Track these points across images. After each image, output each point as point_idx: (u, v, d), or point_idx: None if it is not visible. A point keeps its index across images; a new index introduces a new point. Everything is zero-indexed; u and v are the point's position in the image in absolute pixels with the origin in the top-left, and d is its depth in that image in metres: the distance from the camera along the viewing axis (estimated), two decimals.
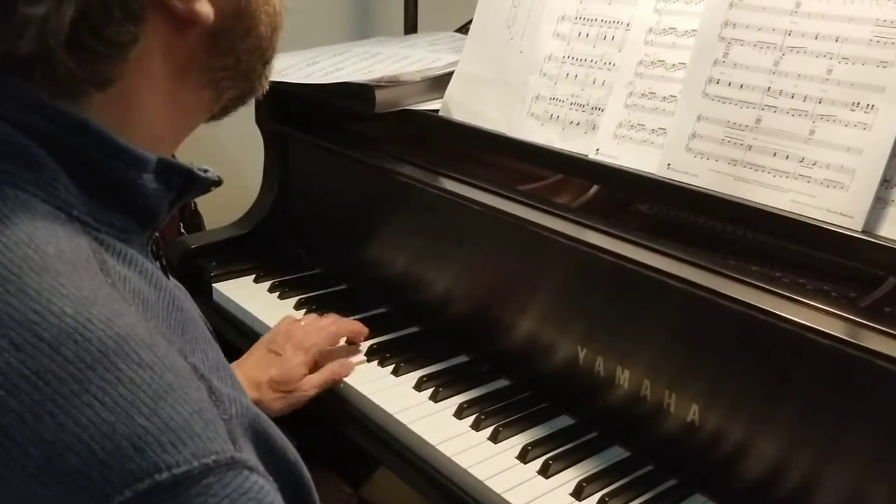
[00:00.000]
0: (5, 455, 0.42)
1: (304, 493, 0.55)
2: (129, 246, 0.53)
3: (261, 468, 0.47)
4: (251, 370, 1.02)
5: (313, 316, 1.14)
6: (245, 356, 1.06)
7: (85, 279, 0.47)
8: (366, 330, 1.12)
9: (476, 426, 0.95)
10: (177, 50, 0.54)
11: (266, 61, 0.61)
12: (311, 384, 1.02)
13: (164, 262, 0.61)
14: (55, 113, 0.50)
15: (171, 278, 0.60)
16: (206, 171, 0.58)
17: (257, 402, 0.94)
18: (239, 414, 0.49)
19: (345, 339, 1.12)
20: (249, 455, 0.47)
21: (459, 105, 1.17)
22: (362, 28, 1.96)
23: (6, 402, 0.42)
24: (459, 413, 0.97)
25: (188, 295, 0.61)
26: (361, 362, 1.08)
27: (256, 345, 1.08)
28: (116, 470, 0.41)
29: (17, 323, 0.43)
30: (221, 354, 0.58)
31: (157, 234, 0.60)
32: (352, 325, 1.12)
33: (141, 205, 0.54)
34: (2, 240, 0.46)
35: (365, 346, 1.11)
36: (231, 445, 0.45)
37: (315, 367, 1.05)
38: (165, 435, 0.42)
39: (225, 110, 0.63)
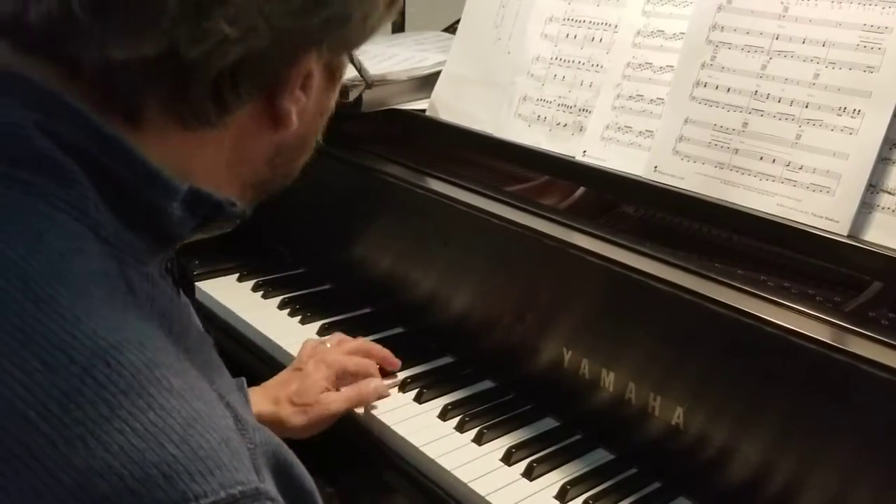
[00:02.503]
0: (34, 478, 0.41)
1: None
2: (147, 266, 0.52)
3: (280, 499, 0.47)
4: (272, 387, 0.99)
5: (338, 335, 1.08)
6: (270, 380, 1.02)
7: (115, 300, 0.47)
8: (398, 362, 1.06)
9: (460, 428, 0.95)
10: (249, 141, 0.56)
11: (277, 191, 0.65)
12: (335, 398, 0.97)
13: (176, 278, 0.61)
14: (96, 130, 0.49)
15: (181, 295, 0.60)
16: (234, 204, 0.58)
17: (275, 417, 0.94)
18: (262, 443, 0.49)
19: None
20: (270, 486, 0.47)
21: (446, 105, 1.16)
22: None
23: (37, 425, 0.41)
24: (444, 415, 0.97)
25: (194, 312, 0.61)
26: (393, 386, 1.02)
27: (283, 371, 1.04)
28: (145, 499, 0.41)
29: (49, 343, 0.43)
30: (229, 374, 0.59)
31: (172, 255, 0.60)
32: (383, 351, 1.06)
33: (164, 230, 0.54)
34: (36, 257, 0.46)
35: (401, 375, 1.05)
36: (255, 476, 0.46)
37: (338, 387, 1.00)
38: (194, 464, 0.42)
39: None
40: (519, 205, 1.02)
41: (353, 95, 0.66)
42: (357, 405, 0.99)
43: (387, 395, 1.00)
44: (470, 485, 0.86)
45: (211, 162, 0.55)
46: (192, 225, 0.55)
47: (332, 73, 0.59)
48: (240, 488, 0.44)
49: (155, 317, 0.49)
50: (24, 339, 0.43)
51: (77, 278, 0.46)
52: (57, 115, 0.49)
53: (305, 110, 0.57)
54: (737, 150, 0.88)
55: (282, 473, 0.50)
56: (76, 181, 0.49)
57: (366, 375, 1.02)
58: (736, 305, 0.79)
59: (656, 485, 0.88)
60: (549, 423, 0.97)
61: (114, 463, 0.41)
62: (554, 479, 0.87)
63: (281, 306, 1.21)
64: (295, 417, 0.95)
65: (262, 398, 0.96)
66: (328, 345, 1.05)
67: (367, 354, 1.05)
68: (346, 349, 1.04)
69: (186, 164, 0.54)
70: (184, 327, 0.51)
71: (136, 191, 0.51)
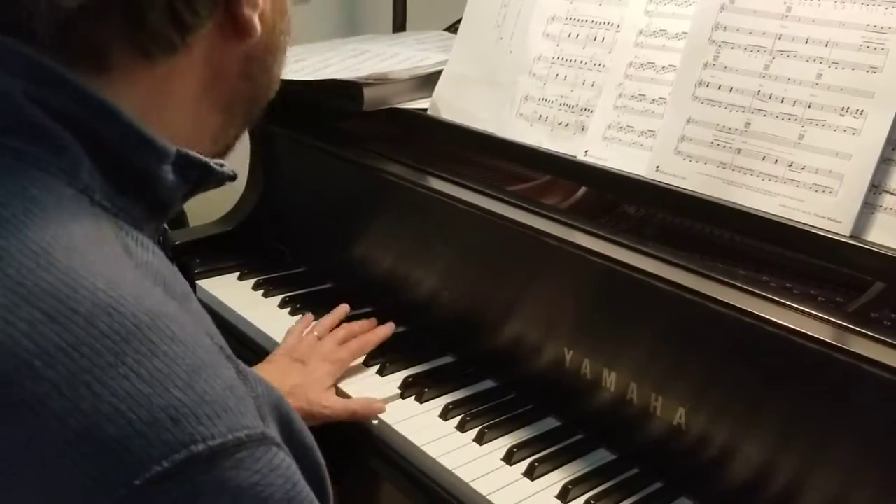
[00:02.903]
0: (43, 425, 0.41)
1: (320, 479, 0.55)
2: (142, 234, 0.53)
3: (285, 447, 0.48)
4: (270, 376, 0.99)
5: (323, 324, 1.09)
6: (263, 363, 1.03)
7: (113, 260, 0.47)
8: (389, 326, 1.10)
9: (461, 427, 0.94)
10: (217, 58, 0.56)
11: (263, 107, 0.64)
12: (336, 402, 0.98)
13: (171, 255, 0.61)
14: (84, 96, 0.50)
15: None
16: (221, 165, 0.59)
17: None
18: (265, 394, 0.49)
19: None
20: (276, 434, 0.48)
21: (448, 104, 1.16)
22: (351, 26, 1.95)
23: (43, 373, 0.42)
24: (445, 414, 0.97)
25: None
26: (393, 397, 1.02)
27: (274, 354, 1.05)
28: (153, 440, 0.41)
29: (50, 296, 0.43)
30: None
31: (164, 226, 0.60)
32: (364, 326, 1.10)
33: (157, 195, 0.55)
34: (30, 217, 0.46)
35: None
36: (261, 422, 0.46)
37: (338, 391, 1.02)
38: (201, 408, 0.43)
39: (225, 150, 0.65)
40: (520, 204, 1.01)
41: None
42: (355, 419, 0.98)
43: (383, 411, 0.99)
44: (471, 484, 0.86)
45: (188, 93, 0.56)
46: (184, 190, 0.56)
47: None
48: (246, 432, 0.44)
49: (150, 277, 0.49)
50: (26, 293, 0.43)
51: (73, 238, 0.46)
52: (45, 82, 0.49)
53: (265, 13, 0.57)
54: (739, 150, 0.88)
55: (284, 425, 0.51)
56: (67, 148, 0.49)
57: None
58: (738, 305, 0.79)
59: (658, 485, 0.87)
60: (550, 423, 0.96)
61: (121, 406, 0.41)
62: (555, 479, 0.87)
63: (282, 305, 1.21)
64: None
65: None
66: (316, 333, 1.07)
67: (353, 336, 1.08)
68: (338, 340, 1.06)
69: (165, 99, 0.54)
70: (180, 291, 0.52)
71: (127, 155, 0.52)
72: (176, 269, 0.54)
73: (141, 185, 0.53)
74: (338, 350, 1.05)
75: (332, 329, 1.09)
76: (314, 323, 1.11)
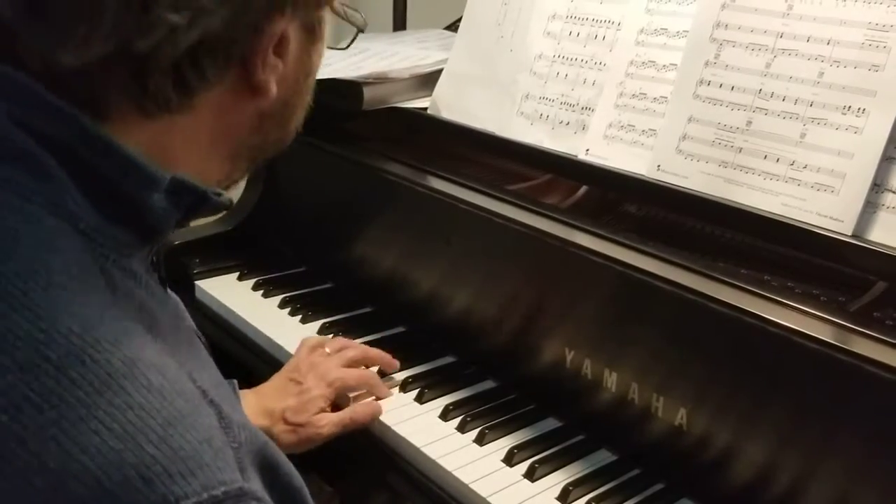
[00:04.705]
0: (7, 485, 0.40)
1: None
2: (131, 261, 0.51)
3: (267, 498, 0.46)
4: (267, 398, 0.96)
5: (340, 341, 1.05)
6: (265, 384, 0.99)
7: (92, 296, 0.46)
8: (397, 363, 1.04)
9: (462, 428, 0.94)
10: (229, 116, 0.55)
11: (273, 155, 0.64)
12: (328, 421, 0.94)
13: (164, 275, 0.60)
14: (77, 125, 0.49)
15: (169, 291, 0.59)
16: (218, 193, 0.57)
17: (268, 433, 0.90)
18: (248, 441, 0.48)
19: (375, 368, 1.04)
20: (256, 485, 0.46)
21: (448, 103, 1.16)
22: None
23: (9, 428, 0.40)
24: (445, 415, 0.96)
25: (184, 309, 0.60)
26: (392, 387, 1.01)
27: (278, 373, 1.00)
28: (123, 501, 0.40)
29: (21, 341, 0.42)
30: (218, 371, 0.57)
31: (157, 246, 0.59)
32: (382, 356, 1.04)
33: (146, 222, 0.53)
34: (10, 255, 0.45)
35: (402, 375, 1.03)
36: (240, 475, 0.45)
37: (337, 406, 0.98)
38: (175, 465, 0.41)
39: (228, 185, 0.63)
40: (521, 203, 1.01)
41: (345, 43, 0.65)
42: (351, 428, 0.95)
43: (381, 413, 0.96)
44: (471, 486, 0.85)
45: (191, 143, 0.54)
46: (177, 216, 0.54)
47: (311, 30, 0.57)
48: (223, 489, 0.43)
49: (133, 312, 0.47)
50: None
51: (52, 275, 0.45)
52: (33, 107, 0.48)
53: (285, 75, 0.55)
54: (741, 149, 0.88)
55: (268, 471, 0.49)
56: (53, 175, 0.48)
57: (366, 388, 0.99)
58: (739, 305, 0.78)
59: (659, 486, 0.87)
60: (551, 424, 0.96)
61: (90, 465, 0.40)
62: (556, 480, 0.87)
63: (281, 305, 1.20)
64: (285, 436, 0.92)
65: (256, 409, 0.93)
66: (327, 349, 1.02)
67: (366, 360, 1.03)
68: (346, 360, 1.01)
69: (166, 149, 0.53)
70: (168, 323, 0.50)
71: (116, 183, 0.50)
72: (166, 295, 0.53)
73: (130, 213, 0.51)
74: (339, 372, 0.98)
75: (347, 353, 1.03)
76: (332, 339, 1.06)
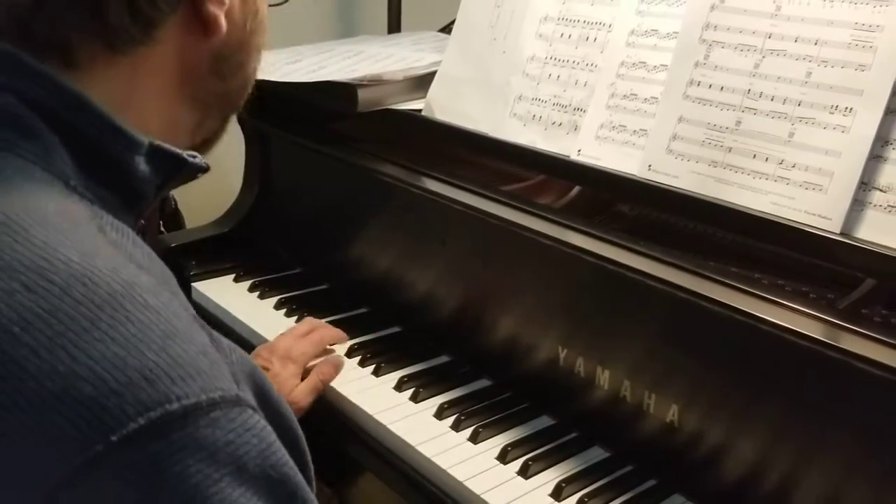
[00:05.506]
0: (22, 386, 0.43)
1: (300, 453, 0.56)
2: (118, 220, 0.54)
3: (261, 412, 0.49)
4: None
5: (294, 330, 1.09)
6: None
7: (86, 236, 0.49)
8: (346, 335, 1.11)
9: (456, 427, 0.95)
10: (187, 55, 0.58)
11: (240, 104, 0.66)
12: (303, 393, 0.99)
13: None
14: (56, 86, 0.52)
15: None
16: (194, 156, 0.60)
17: None
18: (239, 361, 0.51)
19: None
20: (251, 399, 0.49)
21: (442, 105, 1.17)
22: (345, 27, 1.96)
23: (21, 338, 0.44)
24: (440, 413, 0.97)
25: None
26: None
27: None
28: (129, 399, 0.43)
29: (26, 268, 0.45)
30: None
31: (142, 221, 0.61)
32: (333, 331, 1.10)
33: (130, 185, 0.56)
34: (7, 197, 0.48)
35: (345, 346, 1.10)
36: (235, 385, 0.47)
37: (303, 376, 1.02)
38: (174, 370, 0.44)
39: (206, 143, 0.66)
40: (514, 204, 1.02)
41: None
42: (322, 389, 1.00)
43: (342, 364, 1.03)
44: (465, 483, 0.86)
45: (160, 88, 0.58)
46: (157, 182, 0.57)
47: None
48: (220, 393, 0.45)
49: (124, 256, 0.50)
50: (4, 266, 0.45)
51: (49, 215, 0.48)
52: (18, 73, 0.51)
53: (232, 11, 0.58)
54: (730, 149, 0.89)
55: (259, 392, 0.52)
56: (39, 134, 0.51)
57: (322, 350, 1.05)
58: (730, 303, 0.79)
59: (651, 482, 0.88)
60: (544, 422, 0.97)
61: (96, 368, 0.43)
62: (549, 478, 0.87)
63: (277, 306, 1.21)
64: None
65: None
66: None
67: (321, 339, 1.07)
68: (299, 333, 1.06)
69: (137, 90, 0.56)
70: (158, 274, 0.53)
71: (100, 145, 0.53)
72: (154, 255, 0.55)
73: (114, 175, 0.54)
74: (298, 345, 1.03)
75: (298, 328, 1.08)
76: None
